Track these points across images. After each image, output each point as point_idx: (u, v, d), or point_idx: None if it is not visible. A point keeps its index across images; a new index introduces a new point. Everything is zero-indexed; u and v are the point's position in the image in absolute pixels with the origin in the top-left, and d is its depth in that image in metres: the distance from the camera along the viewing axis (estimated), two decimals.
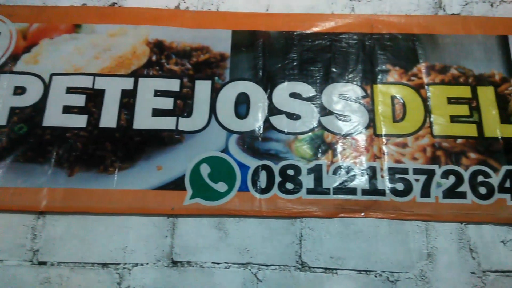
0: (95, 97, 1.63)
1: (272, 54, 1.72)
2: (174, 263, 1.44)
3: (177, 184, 1.50)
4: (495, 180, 1.53)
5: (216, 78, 1.67)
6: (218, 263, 1.44)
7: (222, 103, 1.63)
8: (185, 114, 1.61)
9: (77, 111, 1.61)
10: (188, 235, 1.46)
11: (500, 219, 1.50)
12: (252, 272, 1.43)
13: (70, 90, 1.64)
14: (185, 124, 1.60)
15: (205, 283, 1.41)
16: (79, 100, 1.62)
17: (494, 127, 1.60)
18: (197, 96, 1.64)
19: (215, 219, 1.48)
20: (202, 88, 1.65)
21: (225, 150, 1.56)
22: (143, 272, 1.42)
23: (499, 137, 1.58)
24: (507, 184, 1.52)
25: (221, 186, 1.51)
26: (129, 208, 1.47)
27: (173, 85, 1.66)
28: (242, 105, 1.64)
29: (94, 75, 1.66)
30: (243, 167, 1.54)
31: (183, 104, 1.63)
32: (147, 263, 1.43)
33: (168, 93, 1.65)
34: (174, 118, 1.61)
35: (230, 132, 1.59)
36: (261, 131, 1.61)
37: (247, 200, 1.51)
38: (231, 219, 1.48)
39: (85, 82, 1.65)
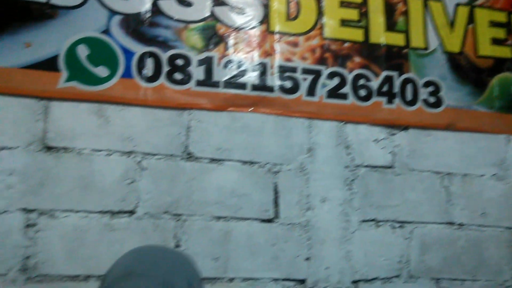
0: None
1: None
2: (48, 148, 1.50)
3: (50, 65, 1.52)
4: (374, 84, 1.85)
5: None
6: (98, 150, 1.54)
7: None
8: None
9: None
10: (63, 120, 1.52)
11: (375, 120, 1.83)
12: (135, 161, 1.57)
13: None
14: None
15: (83, 170, 1.51)
16: None
17: (379, 34, 1.90)
18: None
19: (95, 105, 1.56)
20: None
21: (107, 32, 1.60)
22: (12, 156, 1.46)
23: (382, 44, 1.89)
24: (385, 89, 1.85)
25: (101, 71, 1.57)
26: None
27: None
28: None
29: None
30: (128, 53, 1.61)
31: None
32: (17, 147, 1.47)
33: None
34: None
35: (113, 12, 1.62)
36: (148, 15, 1.68)
37: (131, 87, 1.60)
38: (113, 106, 1.57)
39: None
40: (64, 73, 1.53)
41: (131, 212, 1.54)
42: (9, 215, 1.44)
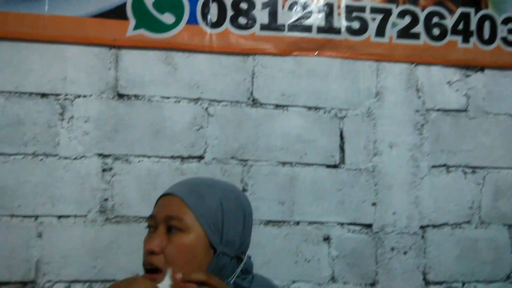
0: None
1: None
2: (120, 96, 1.56)
3: (118, 13, 1.55)
4: (449, 22, 1.74)
5: None
6: (167, 98, 1.59)
7: None
8: None
9: None
10: (133, 68, 1.57)
11: (449, 61, 1.75)
12: (202, 107, 1.61)
13: None
14: None
15: (154, 117, 1.57)
16: None
17: None
18: None
19: (162, 53, 1.58)
20: None
21: None
22: (86, 104, 1.53)
23: None
24: (460, 27, 1.75)
25: (167, 18, 1.58)
26: (65, 36, 1.52)
27: None
28: None
29: None
30: None
31: None
32: (91, 95, 1.54)
33: None
34: None
35: None
36: None
37: (196, 34, 1.60)
38: (180, 53, 1.59)
39: None
40: (132, 21, 1.56)
41: (200, 158, 1.60)
42: (87, 160, 1.54)
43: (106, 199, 1.54)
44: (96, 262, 1.51)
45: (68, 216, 1.52)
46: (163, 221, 0.94)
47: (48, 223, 1.50)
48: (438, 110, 1.73)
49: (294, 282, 1.62)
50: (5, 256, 1.47)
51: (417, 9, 1.73)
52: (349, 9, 1.70)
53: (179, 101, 1.59)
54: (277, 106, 1.65)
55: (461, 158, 1.73)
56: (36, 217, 1.50)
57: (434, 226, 1.70)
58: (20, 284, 1.47)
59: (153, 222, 0.97)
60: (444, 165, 1.72)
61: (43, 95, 1.52)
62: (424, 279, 1.68)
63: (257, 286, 1.05)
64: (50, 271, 1.49)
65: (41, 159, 1.51)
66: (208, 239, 0.94)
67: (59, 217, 1.51)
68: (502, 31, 1.77)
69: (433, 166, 1.71)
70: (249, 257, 1.06)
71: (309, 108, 1.67)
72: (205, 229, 0.94)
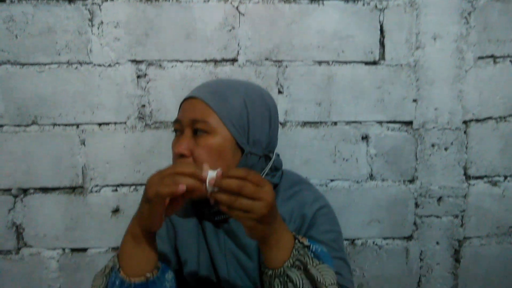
0: None
1: None
2: None
3: None
4: None
5: None
6: None
7: None
8: None
9: None
10: None
11: None
12: (233, 6, 1.54)
13: None
14: None
15: (183, 19, 1.51)
16: None
17: None
18: None
19: None
20: None
21: None
22: (114, 8, 1.48)
23: None
24: None
25: None
26: None
27: None
28: None
29: None
30: None
31: None
32: None
33: None
34: None
35: None
36: None
37: None
38: None
39: None
40: None
41: (233, 60, 1.55)
42: (121, 67, 1.52)
43: (143, 106, 1.54)
44: (140, 167, 1.56)
45: (108, 124, 1.54)
46: (188, 125, 0.95)
47: (89, 131, 1.54)
48: None
49: (332, 180, 1.63)
50: (52, 163, 1.53)
51: None
52: None
53: (208, 1, 1.52)
54: (312, 0, 1.56)
55: (510, 47, 1.62)
56: (78, 125, 1.53)
57: (477, 121, 1.64)
58: (69, 189, 1.54)
59: (179, 126, 0.97)
60: (491, 56, 1.62)
61: (70, 1, 1.48)
62: (465, 173, 1.66)
63: (286, 181, 1.06)
64: (96, 176, 1.55)
65: (76, 68, 1.51)
66: (235, 140, 0.95)
67: (100, 124, 1.54)
68: None
69: (479, 58, 1.61)
70: (278, 155, 1.06)
71: (347, 0, 1.57)
72: (230, 130, 0.94)
